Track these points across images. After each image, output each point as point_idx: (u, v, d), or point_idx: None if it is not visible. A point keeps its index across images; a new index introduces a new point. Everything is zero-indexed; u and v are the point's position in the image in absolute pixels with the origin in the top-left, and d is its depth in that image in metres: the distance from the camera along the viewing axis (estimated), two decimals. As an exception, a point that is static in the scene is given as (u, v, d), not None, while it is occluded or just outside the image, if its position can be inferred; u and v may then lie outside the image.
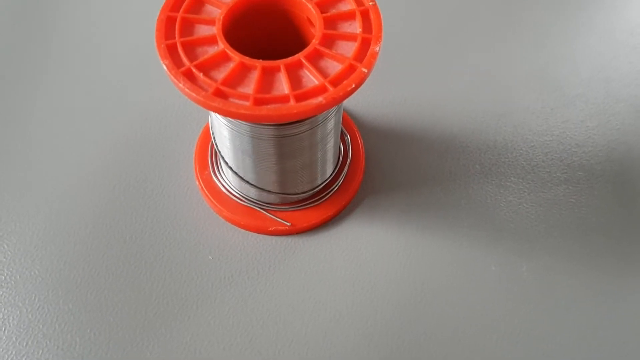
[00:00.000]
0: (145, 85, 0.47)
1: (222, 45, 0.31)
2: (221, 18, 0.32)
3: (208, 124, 0.43)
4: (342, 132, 0.43)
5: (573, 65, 0.50)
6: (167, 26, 0.32)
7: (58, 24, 0.51)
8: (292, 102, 0.29)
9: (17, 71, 0.48)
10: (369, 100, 0.46)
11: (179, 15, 0.32)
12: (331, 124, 0.36)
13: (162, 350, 0.35)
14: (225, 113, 0.29)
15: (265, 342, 0.36)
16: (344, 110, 0.45)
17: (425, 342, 0.36)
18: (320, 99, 0.29)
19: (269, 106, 0.29)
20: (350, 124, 0.44)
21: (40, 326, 0.36)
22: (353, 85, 0.30)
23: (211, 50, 0.31)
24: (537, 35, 0.52)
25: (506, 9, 0.54)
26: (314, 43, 0.31)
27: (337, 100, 0.29)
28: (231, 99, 0.29)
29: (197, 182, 0.41)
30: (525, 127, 0.45)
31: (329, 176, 0.41)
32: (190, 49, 0.31)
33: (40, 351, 0.35)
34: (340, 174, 0.41)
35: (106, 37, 0.51)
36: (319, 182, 0.40)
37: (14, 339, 0.35)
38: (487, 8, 0.54)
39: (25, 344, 0.35)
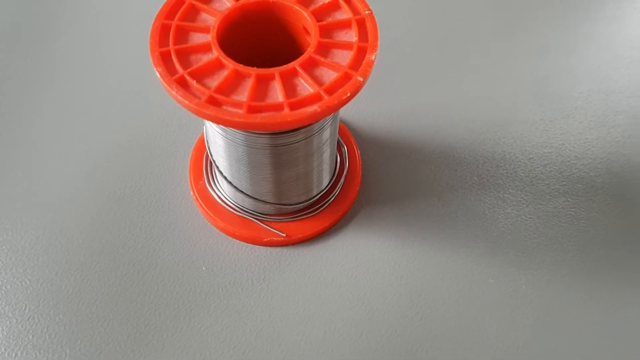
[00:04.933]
0: (140, 95, 0.47)
1: (216, 53, 0.31)
2: (216, 26, 0.32)
3: (203, 133, 0.42)
4: (338, 142, 0.43)
5: (572, 77, 0.49)
6: (162, 34, 0.32)
7: (50, 34, 0.51)
8: (286, 110, 0.29)
9: (10, 79, 0.48)
10: (366, 111, 0.46)
11: (174, 23, 0.32)
12: (327, 134, 0.36)
13: (154, 362, 0.35)
14: (218, 121, 0.29)
15: (259, 355, 0.35)
16: (340, 121, 0.45)
17: (422, 356, 0.35)
18: (315, 107, 0.29)
19: (263, 114, 0.29)
20: (347, 135, 0.43)
21: (30, 337, 0.35)
22: (348, 94, 0.29)
23: (205, 58, 0.31)
24: (536, 47, 0.51)
25: (505, 21, 0.53)
26: (309, 51, 0.31)
27: (332, 109, 0.29)
28: (225, 107, 0.29)
29: (191, 192, 0.41)
30: (524, 139, 0.45)
31: (325, 187, 0.40)
32: (184, 56, 0.31)
33: (30, 362, 0.34)
34: (337, 184, 0.41)
35: (99, 48, 0.50)
36: (315, 193, 0.40)
37: (2, 349, 0.35)
38: (486, 19, 0.54)
39: (14, 355, 0.35)
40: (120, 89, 0.47)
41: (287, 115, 0.29)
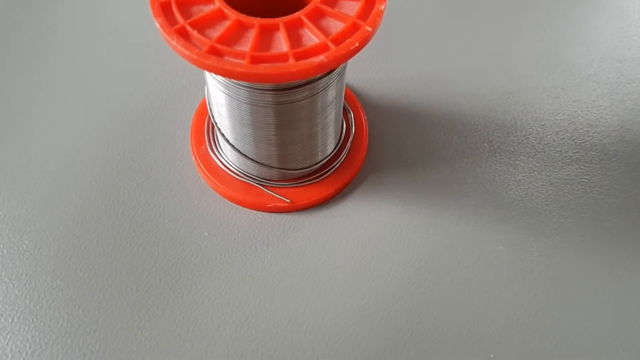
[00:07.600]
0: (141, 58, 0.46)
1: (218, 4, 0.29)
2: (218, -23, 0.30)
3: (204, 98, 0.41)
4: (345, 108, 0.41)
5: (584, 45, 0.48)
6: (162, -15, 0.30)
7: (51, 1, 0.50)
8: (291, 60, 0.28)
9: (11, 44, 0.46)
10: (374, 77, 0.45)
11: (174, -26, 0.31)
12: (332, 94, 0.34)
13: (154, 328, 0.34)
14: (220, 72, 0.28)
15: (262, 321, 0.34)
16: (347, 86, 0.43)
17: (429, 323, 0.34)
18: (321, 58, 0.28)
19: (266, 65, 0.27)
20: (354, 101, 0.42)
21: (27, 302, 0.34)
22: (357, 44, 0.28)
23: (207, 9, 0.29)
24: (548, 14, 0.50)
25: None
26: (315, 1, 0.30)
27: (340, 60, 0.28)
28: (227, 58, 0.28)
29: (193, 158, 0.39)
30: (535, 106, 0.44)
31: (331, 152, 0.39)
32: (185, 8, 0.30)
33: (27, 328, 0.33)
34: (343, 150, 0.40)
35: (101, 10, 0.49)
36: (320, 158, 0.39)
37: (-1, 315, 0.34)
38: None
39: (11, 320, 0.34)
40: (119, 53, 0.46)
41: (292, 66, 0.27)
